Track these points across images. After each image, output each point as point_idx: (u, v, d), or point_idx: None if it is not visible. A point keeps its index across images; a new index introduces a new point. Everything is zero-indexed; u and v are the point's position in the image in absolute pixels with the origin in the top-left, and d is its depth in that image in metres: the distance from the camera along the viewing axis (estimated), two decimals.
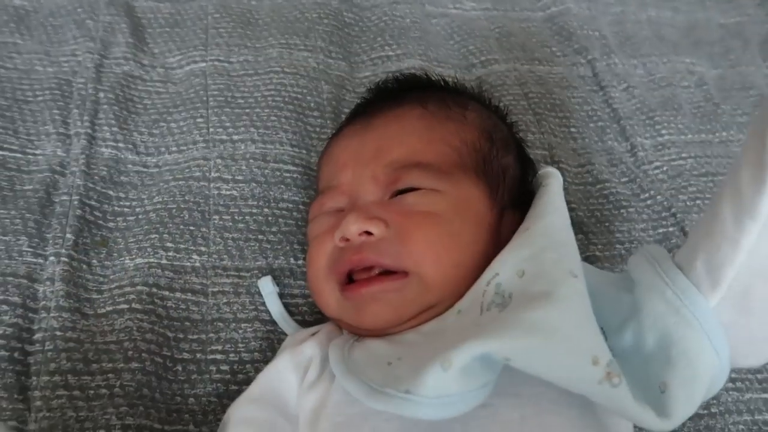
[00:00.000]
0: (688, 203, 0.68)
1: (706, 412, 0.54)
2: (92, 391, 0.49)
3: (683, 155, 0.73)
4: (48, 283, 0.53)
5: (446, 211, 0.46)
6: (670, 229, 0.66)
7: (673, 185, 0.70)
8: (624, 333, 0.42)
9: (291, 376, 0.47)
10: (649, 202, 0.68)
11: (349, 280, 0.47)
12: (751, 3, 0.98)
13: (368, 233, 0.45)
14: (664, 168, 0.71)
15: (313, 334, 0.50)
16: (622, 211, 0.66)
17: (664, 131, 0.75)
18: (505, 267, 0.42)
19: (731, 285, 0.38)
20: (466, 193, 0.48)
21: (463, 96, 0.55)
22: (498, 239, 0.47)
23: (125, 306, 0.53)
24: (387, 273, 0.45)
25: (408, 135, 0.49)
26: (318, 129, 0.68)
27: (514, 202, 0.50)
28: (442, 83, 0.57)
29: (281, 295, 0.56)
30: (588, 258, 0.62)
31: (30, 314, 0.51)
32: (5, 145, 0.61)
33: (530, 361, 0.37)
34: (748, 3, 0.97)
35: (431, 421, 0.38)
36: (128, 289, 0.54)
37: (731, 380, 0.55)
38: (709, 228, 0.39)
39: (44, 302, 0.52)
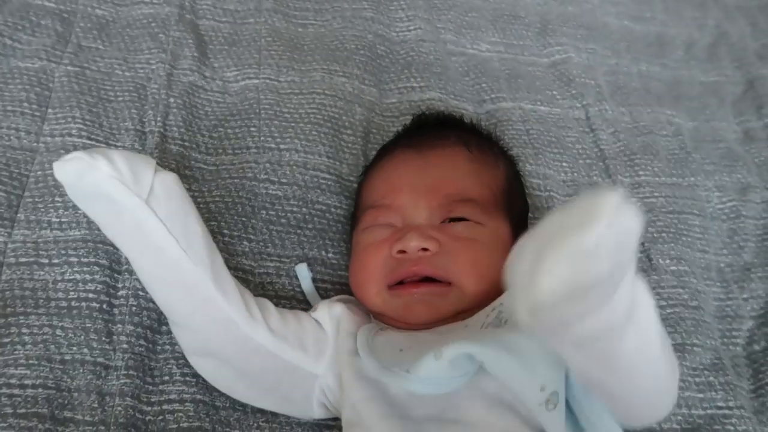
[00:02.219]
0: (655, 235, 0.81)
1: None
2: (159, 347, 0.61)
3: (655, 194, 0.86)
4: None
5: (486, 240, 0.59)
6: (639, 255, 0.79)
7: (644, 219, 0.82)
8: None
9: (326, 319, 0.58)
10: None
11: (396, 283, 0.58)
12: (730, 66, 1.11)
13: (424, 249, 0.57)
14: (639, 204, 0.84)
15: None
16: None
17: (641, 172, 0.88)
18: (508, 300, 0.53)
19: None
20: (499, 227, 0.61)
21: (493, 144, 0.69)
22: None
23: None
24: (431, 281, 0.57)
25: (461, 174, 0.62)
26: (350, 145, 0.80)
27: (521, 233, 0.63)
28: (473, 126, 0.71)
29: (314, 280, 0.68)
30: None
31: (115, 275, 0.63)
32: (93, 136, 0.73)
33: (497, 368, 0.48)
34: (727, 65, 1.11)
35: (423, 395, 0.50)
36: None
37: None
38: None
39: (126, 266, 0.64)
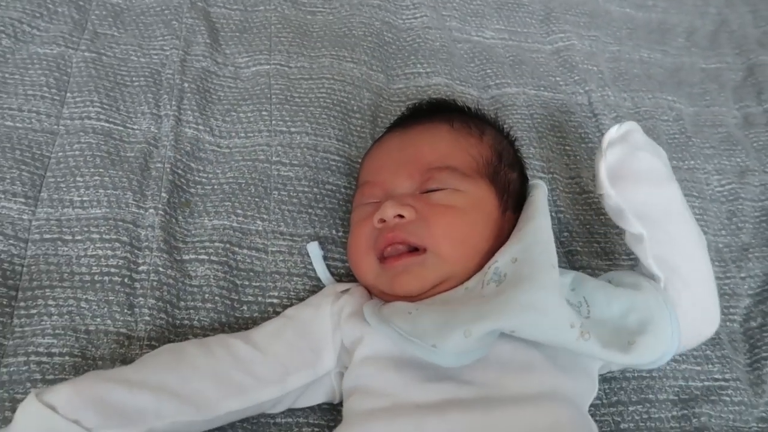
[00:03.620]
0: None
1: (648, 375, 0.68)
2: (178, 321, 0.64)
3: None
4: (149, 228, 0.67)
5: (465, 206, 0.60)
6: None
7: None
8: (612, 307, 0.57)
9: (326, 316, 0.60)
10: None
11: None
12: (731, 52, 1.13)
13: (401, 216, 0.59)
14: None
15: (346, 290, 0.64)
16: (600, 216, 0.81)
17: None
18: (502, 257, 0.57)
19: None
20: (481, 193, 0.62)
21: (483, 121, 0.70)
22: (501, 232, 0.62)
23: (205, 257, 0.67)
24: (411, 251, 0.59)
25: (439, 144, 0.64)
26: (359, 128, 0.83)
27: (514, 207, 0.65)
28: (467, 109, 0.71)
29: (325, 258, 0.71)
30: (570, 251, 0.77)
31: (136, 251, 0.66)
32: (111, 119, 0.76)
33: (529, 331, 0.52)
34: (727, 52, 1.13)
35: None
36: (207, 243, 0.68)
37: None
38: None
39: (146, 243, 0.66)
